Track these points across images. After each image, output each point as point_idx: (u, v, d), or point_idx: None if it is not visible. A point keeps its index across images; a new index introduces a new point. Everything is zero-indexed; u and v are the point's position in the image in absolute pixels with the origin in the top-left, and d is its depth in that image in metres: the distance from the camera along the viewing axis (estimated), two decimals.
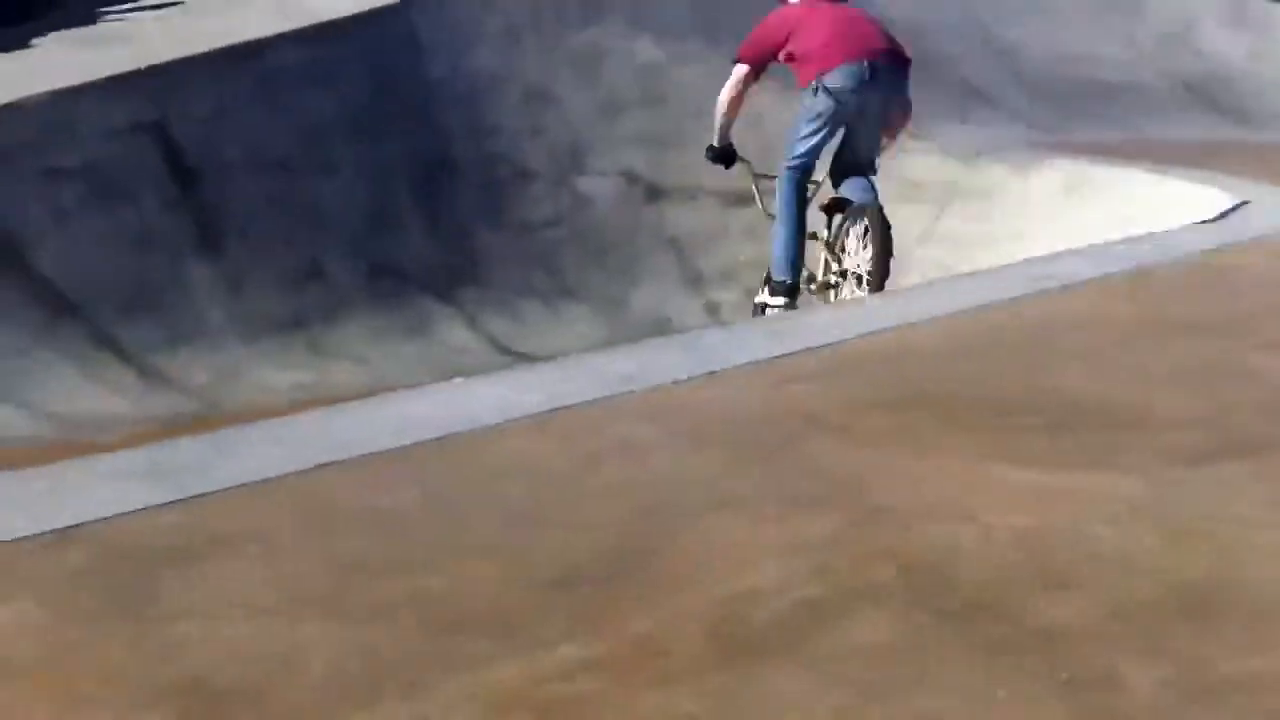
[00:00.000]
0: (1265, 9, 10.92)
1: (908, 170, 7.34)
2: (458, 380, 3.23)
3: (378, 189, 6.80)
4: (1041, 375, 3.40)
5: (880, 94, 5.40)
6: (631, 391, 3.04)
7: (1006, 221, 6.84)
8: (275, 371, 5.70)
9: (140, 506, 2.27)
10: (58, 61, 6.52)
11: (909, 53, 5.61)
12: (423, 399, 3.07)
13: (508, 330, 6.37)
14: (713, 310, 6.88)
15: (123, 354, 5.48)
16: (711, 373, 3.20)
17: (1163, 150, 7.68)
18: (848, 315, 4.15)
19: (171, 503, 2.30)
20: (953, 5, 10.21)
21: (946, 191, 7.17)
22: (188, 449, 2.60)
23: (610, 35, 8.01)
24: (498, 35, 7.87)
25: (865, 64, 5.31)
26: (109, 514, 2.23)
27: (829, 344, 3.52)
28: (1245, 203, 5.93)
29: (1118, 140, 8.26)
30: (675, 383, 3.12)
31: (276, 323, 5.99)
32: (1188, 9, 10.98)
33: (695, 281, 6.94)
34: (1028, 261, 5.07)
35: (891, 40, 5.53)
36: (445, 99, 7.36)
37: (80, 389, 5.20)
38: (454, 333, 6.32)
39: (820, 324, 3.91)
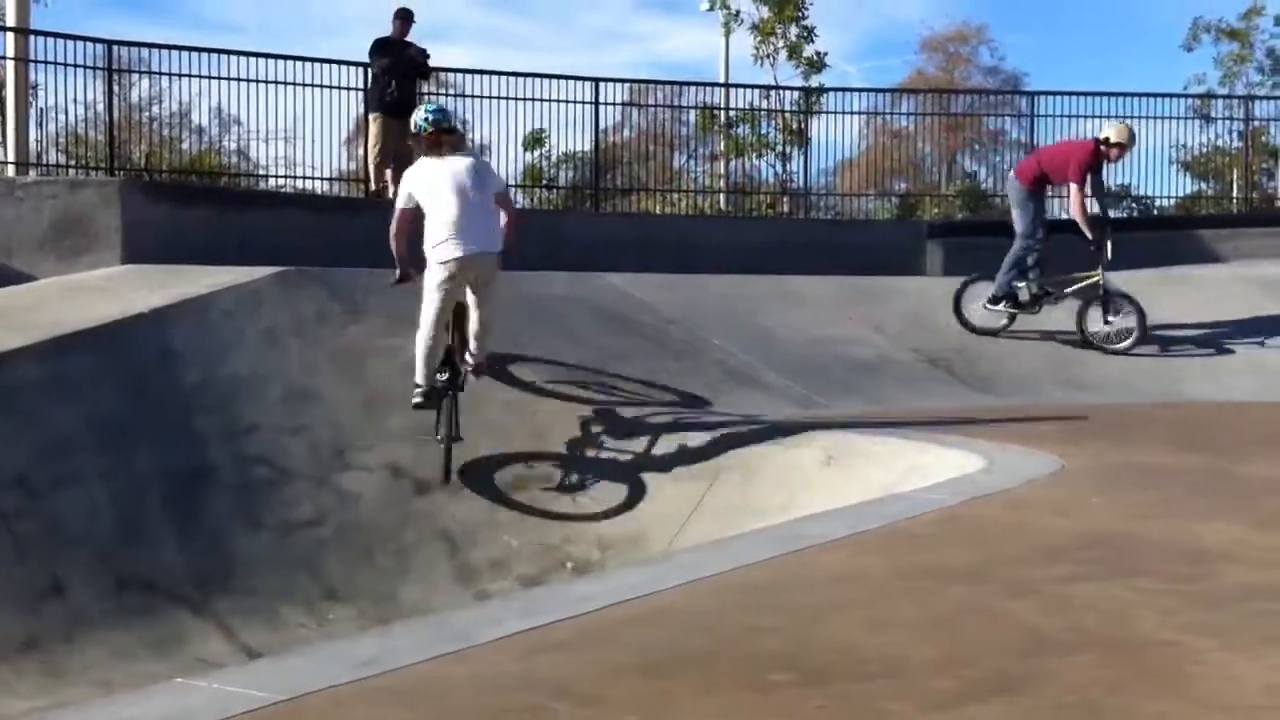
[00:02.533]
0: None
1: (675, 448, 7.48)
2: (177, 680, 2.99)
3: (127, 499, 6.48)
4: (799, 630, 3.38)
5: None
6: (373, 675, 2.87)
7: (773, 493, 6.95)
8: (6, 699, 5.21)
9: None
10: None
11: None
12: (138, 702, 2.82)
13: (267, 640, 6.00)
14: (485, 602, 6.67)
15: None
16: (460, 650, 3.06)
17: (912, 419, 8.04)
18: (605, 584, 4.08)
19: None
20: (707, 298, 10.72)
21: (714, 467, 7.28)
22: None
23: (373, 334, 8.05)
24: (257, 339, 7.81)
25: None
26: None
27: (585, 613, 3.43)
28: (988, 462, 6.23)
29: (871, 412, 8.63)
30: (420, 663, 2.96)
31: (9, 647, 5.52)
32: (925, 294, 11.78)
33: (466, 574, 6.75)
34: (785, 524, 5.14)
35: None
36: (201, 404, 7.19)
37: None
38: (208, 646, 5.91)
39: (575, 594, 3.81)
